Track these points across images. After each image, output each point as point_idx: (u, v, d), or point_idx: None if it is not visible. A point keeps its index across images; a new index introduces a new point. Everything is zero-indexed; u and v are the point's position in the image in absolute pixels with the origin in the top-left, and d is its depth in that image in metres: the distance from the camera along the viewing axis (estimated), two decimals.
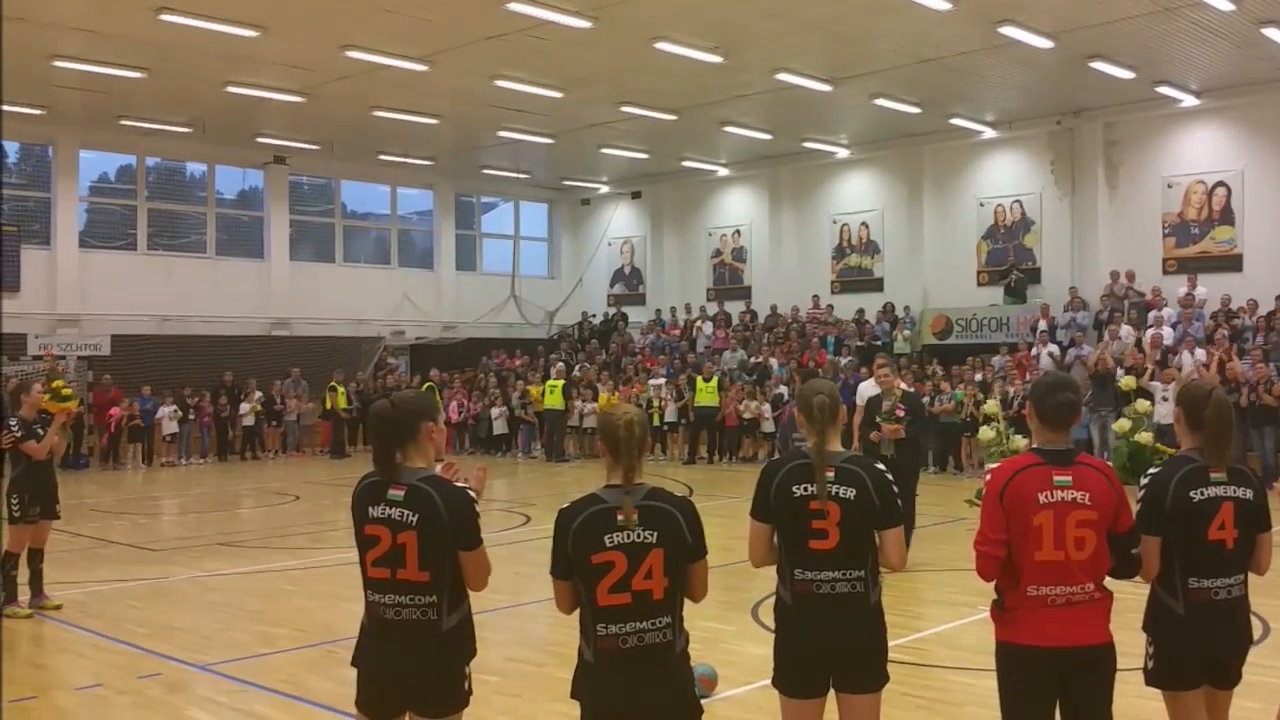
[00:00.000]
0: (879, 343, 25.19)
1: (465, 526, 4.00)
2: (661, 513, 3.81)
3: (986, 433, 6.58)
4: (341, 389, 26.43)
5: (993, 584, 4.11)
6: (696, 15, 17.23)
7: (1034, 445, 4.17)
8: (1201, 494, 4.20)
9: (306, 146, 26.87)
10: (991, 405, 7.56)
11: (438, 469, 4.14)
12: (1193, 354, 19.66)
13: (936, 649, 8.05)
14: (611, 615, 3.72)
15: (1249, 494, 4.26)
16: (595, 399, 24.79)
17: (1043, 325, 23.05)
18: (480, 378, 28.07)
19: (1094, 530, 3.96)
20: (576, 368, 27.65)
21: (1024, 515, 3.94)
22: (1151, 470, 4.36)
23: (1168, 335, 21.08)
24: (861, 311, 26.45)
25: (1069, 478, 3.97)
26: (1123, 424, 18.01)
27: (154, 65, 19.46)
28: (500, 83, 20.73)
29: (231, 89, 21.05)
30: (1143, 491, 4.29)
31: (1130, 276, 23.27)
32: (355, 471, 19.36)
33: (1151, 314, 21.87)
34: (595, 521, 3.77)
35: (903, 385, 11.64)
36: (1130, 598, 4.47)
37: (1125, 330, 21.58)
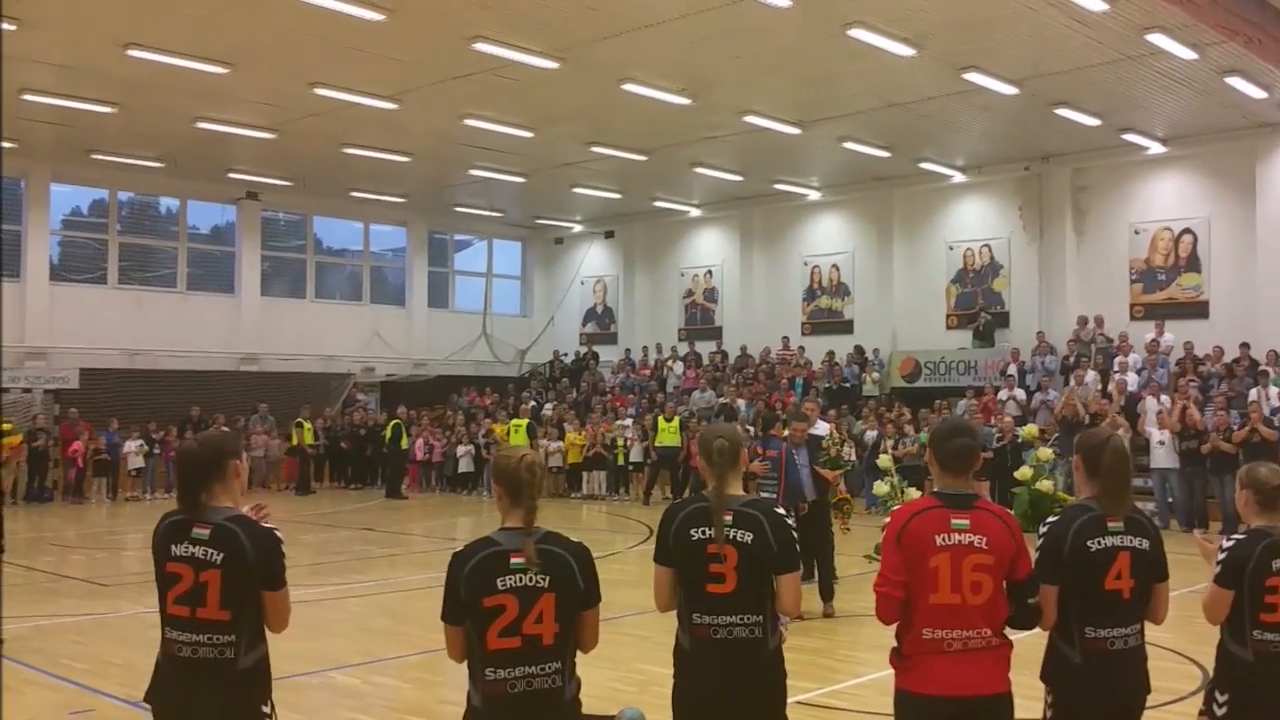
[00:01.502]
0: (848, 385, 25.27)
1: (271, 567, 3.99)
2: (555, 557, 3.78)
3: (881, 487, 6.56)
4: (308, 425, 26.29)
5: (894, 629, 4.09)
6: (663, 57, 17.36)
7: (934, 489, 4.15)
8: (1099, 543, 4.17)
9: (279, 182, 26.89)
10: (884, 459, 7.50)
11: (246, 509, 4.14)
12: (1158, 399, 19.73)
13: (853, 698, 7.73)
14: (501, 659, 3.69)
15: (1145, 543, 4.24)
16: (562, 438, 24.75)
17: (1011, 369, 23.14)
18: (448, 415, 27.98)
19: (990, 575, 3.93)
20: (546, 406, 27.61)
21: (921, 557, 3.92)
22: (1050, 519, 4.34)
23: (1132, 381, 21.18)
24: (832, 353, 26.51)
25: (966, 521, 3.95)
26: (1024, 471, 17.95)
27: (124, 100, 19.50)
28: (470, 121, 20.82)
29: (202, 125, 21.06)
30: (1041, 540, 4.26)
31: (1099, 322, 23.42)
32: (320, 508, 19.30)
33: (1117, 360, 21.99)
34: (489, 564, 3.73)
35: (812, 427, 11.51)
36: (1034, 648, 4.43)
37: (1091, 376, 21.67)
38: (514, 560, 3.72)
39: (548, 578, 3.73)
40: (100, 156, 24.01)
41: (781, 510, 4.26)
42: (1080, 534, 4.19)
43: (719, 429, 4.42)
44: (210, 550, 3.95)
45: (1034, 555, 4.21)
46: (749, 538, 4.10)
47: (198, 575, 3.96)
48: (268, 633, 4.09)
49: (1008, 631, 4.04)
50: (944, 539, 3.92)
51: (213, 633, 3.97)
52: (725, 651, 4.08)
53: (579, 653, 3.89)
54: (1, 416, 10.17)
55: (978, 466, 4.21)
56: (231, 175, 26.11)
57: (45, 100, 19.22)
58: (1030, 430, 19.31)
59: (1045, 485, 17.54)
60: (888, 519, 4.15)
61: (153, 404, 25.62)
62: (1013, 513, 6.37)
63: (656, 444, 23.24)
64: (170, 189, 27.44)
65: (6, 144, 22.57)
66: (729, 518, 4.12)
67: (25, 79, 18.26)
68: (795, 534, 4.22)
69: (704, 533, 4.12)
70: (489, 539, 3.81)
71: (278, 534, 4.05)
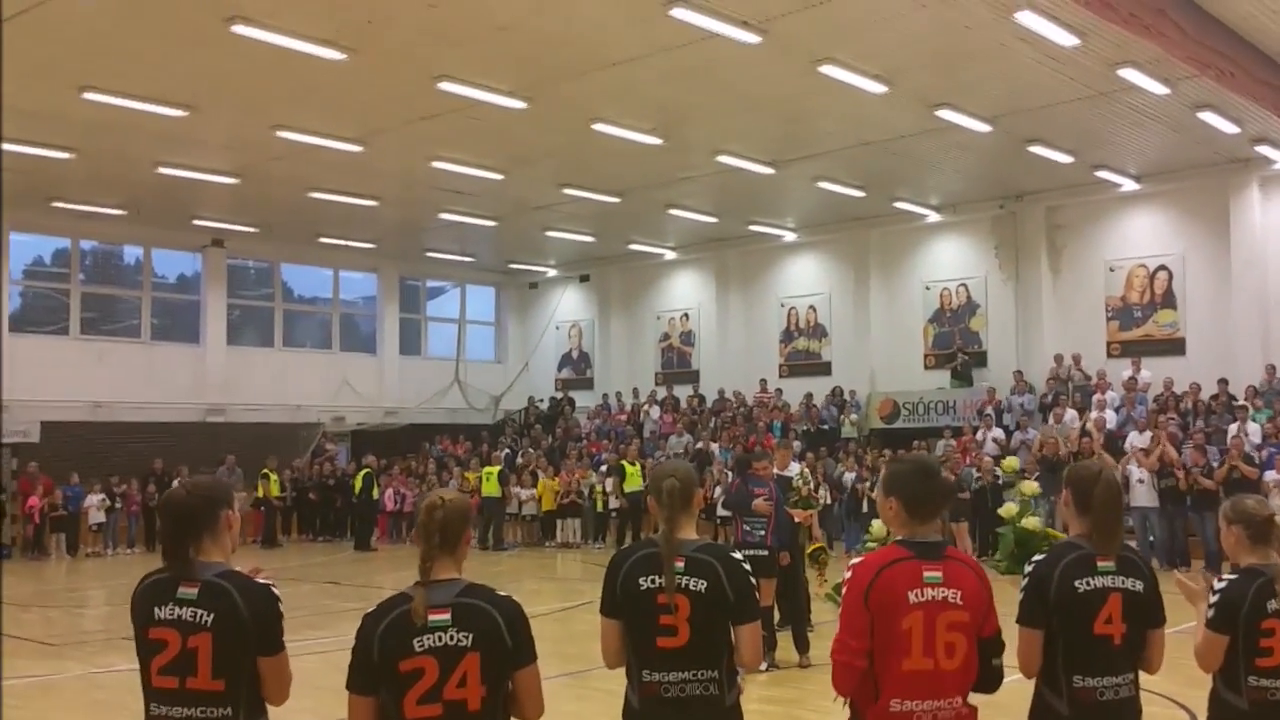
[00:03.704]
0: (826, 427, 24.94)
1: (267, 628, 3.56)
2: (477, 611, 3.40)
3: (880, 528, 5.86)
4: (275, 476, 25.72)
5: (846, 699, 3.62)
6: (633, 96, 17.11)
7: (899, 537, 3.69)
8: (1087, 584, 3.83)
9: (245, 229, 26.46)
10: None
11: (241, 569, 3.70)
12: (1141, 434, 19.45)
13: None
14: None
15: (1139, 585, 3.88)
16: (535, 485, 24.29)
17: (989, 409, 22.85)
18: (419, 464, 27.45)
19: (965, 635, 3.51)
20: (520, 454, 27.12)
21: (892, 618, 3.46)
22: (1036, 558, 3.97)
23: (1111, 419, 20.92)
24: (810, 395, 26.17)
25: (939, 573, 3.52)
26: (1008, 509, 17.48)
27: (82, 145, 19.07)
28: (439, 164, 20.48)
29: (163, 170, 20.63)
30: (1026, 580, 3.90)
31: (1076, 360, 23.19)
32: (286, 562, 18.73)
33: (1095, 397, 21.73)
34: (403, 623, 3.33)
35: (782, 469, 11.19)
36: (1018, 698, 4.03)
37: (1070, 414, 21.40)
38: (433, 618, 3.34)
39: (470, 635, 3.35)
40: (61, 204, 23.52)
41: (738, 555, 3.91)
42: (1068, 574, 3.84)
43: (669, 466, 4.06)
44: (199, 611, 3.52)
45: (1019, 596, 3.85)
46: (703, 586, 3.75)
47: (185, 640, 3.51)
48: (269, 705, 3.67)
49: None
50: (917, 595, 3.48)
51: (206, 705, 3.52)
52: (678, 711, 3.74)
53: None
54: None
55: (946, 509, 3.83)
56: (196, 222, 25.68)
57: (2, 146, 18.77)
58: (1010, 463, 18.96)
59: (1031, 522, 17.13)
60: (854, 561, 3.68)
61: (116, 457, 25.01)
62: (998, 554, 5.82)
63: (625, 489, 22.80)
64: (134, 237, 26.96)
65: None
66: (681, 564, 3.78)
67: None
68: (753, 580, 3.85)
69: (653, 581, 3.78)
70: (403, 595, 3.42)
71: (275, 591, 3.63)
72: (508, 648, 3.41)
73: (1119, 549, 3.90)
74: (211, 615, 3.52)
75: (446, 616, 3.35)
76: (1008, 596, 3.86)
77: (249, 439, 26.84)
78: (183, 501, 3.69)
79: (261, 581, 3.65)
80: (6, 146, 18.71)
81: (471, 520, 3.59)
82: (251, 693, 3.57)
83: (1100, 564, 3.85)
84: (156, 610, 3.58)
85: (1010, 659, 3.76)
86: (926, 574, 3.51)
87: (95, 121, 17.56)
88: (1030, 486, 17.86)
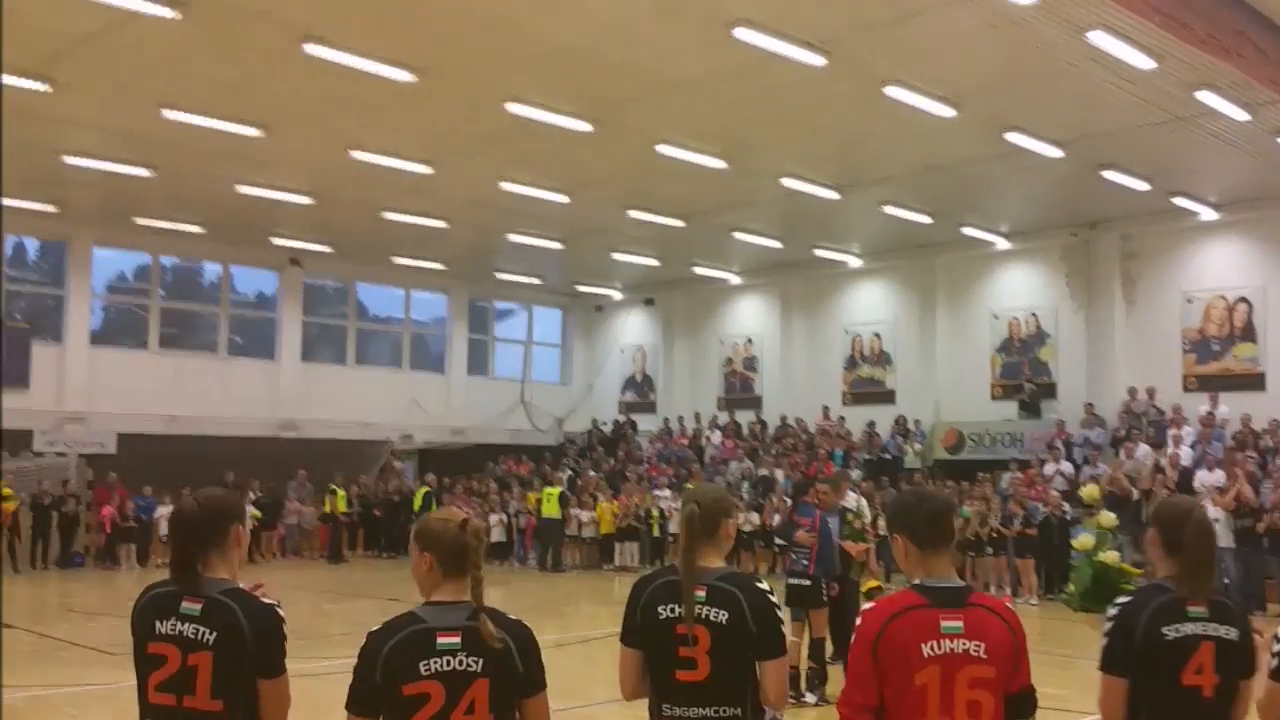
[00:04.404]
0: (889, 456, 24.65)
1: (269, 650, 3.45)
2: (487, 636, 3.27)
3: (1087, 540, 5.37)
4: (341, 492, 26.04)
5: None
6: (697, 119, 17.12)
7: (914, 581, 3.40)
8: (1177, 631, 3.57)
9: (320, 248, 26.91)
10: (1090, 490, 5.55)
11: (243, 585, 3.61)
12: (1211, 472, 18.95)
13: None
14: None
15: (1233, 633, 3.62)
16: (594, 507, 24.32)
17: (1058, 442, 22.40)
18: (481, 484, 27.62)
19: (991, 692, 3.21)
20: (580, 476, 27.18)
21: (904, 672, 3.18)
22: (1121, 599, 3.72)
23: (1186, 455, 20.37)
24: (873, 424, 25.89)
25: (959, 623, 3.22)
26: (1084, 540, 17.00)
27: (161, 163, 19.52)
28: (506, 185, 20.65)
29: (241, 189, 21.05)
30: (1110, 624, 3.65)
31: (1150, 393, 22.65)
32: (350, 578, 18.89)
33: (1170, 433, 21.17)
34: (411, 644, 3.21)
35: (841, 499, 10.97)
36: None
37: (1142, 449, 20.88)
38: (441, 640, 3.21)
39: (480, 660, 3.21)
40: (143, 221, 24.12)
41: (764, 585, 3.69)
42: (1156, 619, 3.58)
43: (697, 491, 3.87)
44: (201, 629, 3.42)
45: (1101, 641, 3.60)
46: (724, 617, 3.56)
47: (186, 657, 3.41)
48: None
49: None
50: (932, 648, 3.19)
51: None
52: None
53: None
54: (1, 482, 9.81)
55: (952, 539, 3.48)
56: (275, 241, 26.16)
57: (84, 163, 19.34)
58: (1091, 491, 18.52)
59: (1110, 556, 16.72)
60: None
61: (189, 470, 25.40)
62: (1070, 589, 5.32)
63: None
64: (214, 254, 27.53)
65: (48, 207, 22.76)
66: (701, 593, 3.59)
67: (64, 141, 18.43)
68: (780, 614, 3.67)
69: (673, 610, 3.60)
70: (412, 615, 3.29)
71: (279, 611, 3.52)
72: (518, 674, 3.27)
73: (1211, 593, 3.66)
74: (214, 633, 3.42)
75: (456, 640, 3.21)
76: (1077, 637, 3.66)
77: (319, 454, 27.23)
78: (192, 514, 3.58)
79: (267, 601, 3.54)
80: (88, 163, 19.37)
81: (483, 545, 3.43)
82: (250, 716, 3.45)
83: (1191, 609, 3.60)
84: (158, 624, 3.48)
85: (1074, 704, 3.53)
86: (944, 624, 3.22)
87: (174, 140, 17.96)
88: (1108, 518, 17.41)
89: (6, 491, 9.36)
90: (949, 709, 3.16)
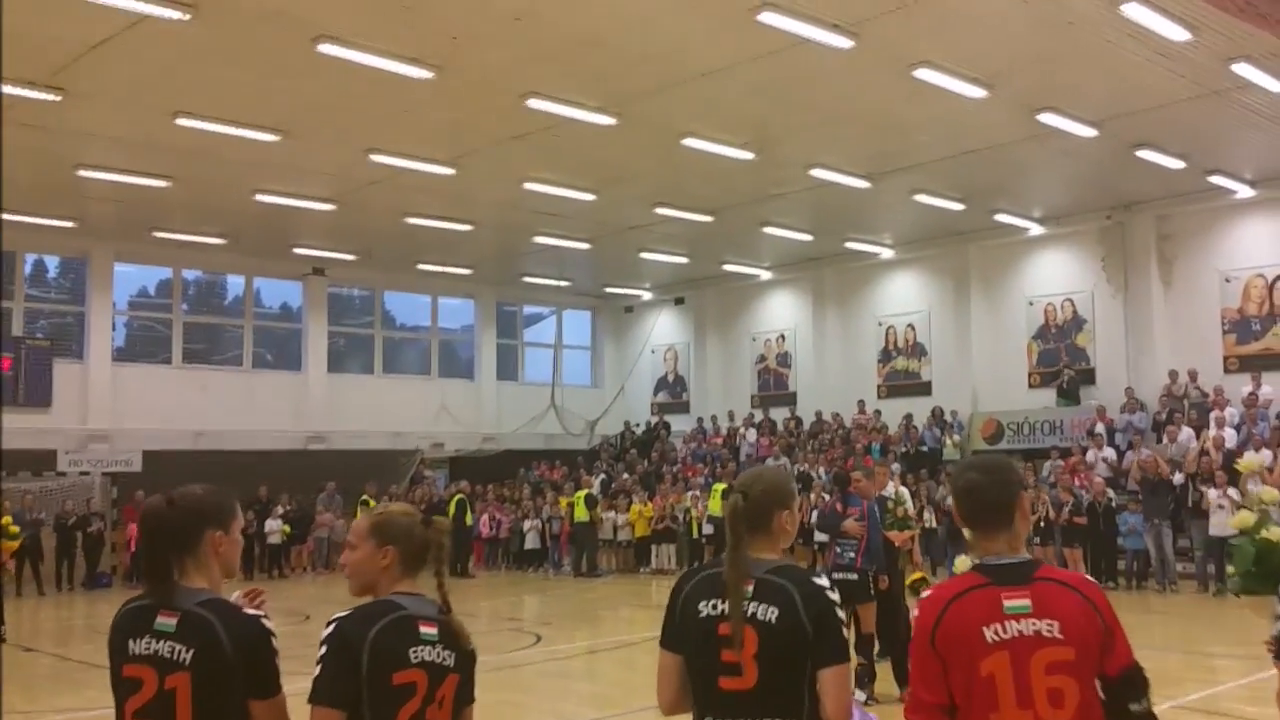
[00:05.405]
0: (926, 449, 24.21)
1: (258, 667, 3.04)
2: (460, 632, 3.16)
3: (1247, 517, 4.81)
4: (373, 503, 25.74)
5: None
6: (722, 108, 16.74)
7: (975, 560, 3.04)
8: None
9: (344, 257, 26.70)
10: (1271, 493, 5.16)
11: (235, 596, 3.25)
12: (1259, 452, 18.40)
13: None
14: None
15: None
16: (628, 510, 23.99)
17: (1099, 428, 21.91)
18: (514, 490, 27.34)
19: (1073, 676, 2.80)
20: (614, 479, 26.84)
21: (967, 661, 2.82)
22: None
23: (1230, 437, 19.85)
24: (909, 416, 25.44)
25: (1025, 601, 2.84)
26: (1243, 518, 16.54)
27: (178, 173, 19.28)
28: (531, 185, 20.34)
29: (261, 197, 20.81)
30: None
31: (1192, 375, 22.12)
32: None
33: (1213, 415, 20.65)
34: (399, 630, 3.01)
35: (880, 489, 10.65)
36: None
37: (1185, 433, 20.39)
38: (424, 630, 3.05)
39: (454, 655, 3.07)
40: (162, 234, 23.91)
41: (822, 580, 3.18)
42: None
43: (749, 478, 3.37)
44: (177, 646, 3.02)
45: (1275, 627, 3.22)
46: (773, 615, 3.09)
47: (163, 680, 3.02)
48: None
49: None
50: (997, 632, 2.81)
51: None
52: None
53: None
54: (9, 517, 9.43)
55: (1014, 514, 3.04)
56: (297, 250, 25.95)
57: (100, 175, 19.17)
58: (1249, 463, 18.03)
59: (1275, 533, 16.26)
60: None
61: (218, 485, 25.23)
62: (1231, 571, 4.83)
63: (711, 513, 22.32)
64: (236, 266, 27.34)
65: (67, 223, 22.64)
66: (750, 587, 3.13)
67: (79, 154, 18.25)
68: (840, 613, 3.17)
69: (715, 608, 3.15)
70: (389, 601, 3.05)
71: (266, 623, 3.10)
72: (471, 678, 3.16)
73: None
74: (190, 651, 3.02)
75: (435, 631, 3.06)
76: (1235, 622, 3.26)
77: (349, 466, 26.99)
78: (159, 514, 3.19)
79: (250, 612, 3.15)
80: (105, 176, 19.21)
81: (444, 545, 3.24)
82: None
83: None
84: (131, 644, 3.10)
85: (1231, 702, 3.13)
86: (1008, 603, 2.84)
87: (190, 148, 17.73)
88: (1271, 493, 17.00)
89: (13, 530, 8.89)
90: (1027, 700, 2.76)
